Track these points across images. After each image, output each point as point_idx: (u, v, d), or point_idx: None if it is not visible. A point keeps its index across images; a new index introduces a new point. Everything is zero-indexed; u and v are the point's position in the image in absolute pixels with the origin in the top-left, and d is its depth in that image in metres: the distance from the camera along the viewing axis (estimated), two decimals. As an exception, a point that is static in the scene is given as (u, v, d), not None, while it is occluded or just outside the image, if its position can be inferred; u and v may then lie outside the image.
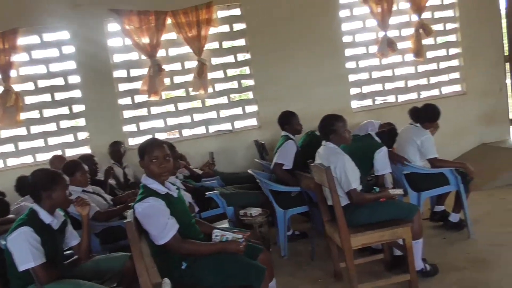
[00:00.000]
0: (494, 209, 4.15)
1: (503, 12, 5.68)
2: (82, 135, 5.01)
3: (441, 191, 3.64)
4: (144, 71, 4.93)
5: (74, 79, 4.90)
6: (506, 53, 5.69)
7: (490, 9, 5.63)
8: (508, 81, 5.75)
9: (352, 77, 5.47)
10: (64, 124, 4.94)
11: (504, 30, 5.72)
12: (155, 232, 2.16)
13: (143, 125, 5.10)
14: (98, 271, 2.52)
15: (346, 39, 5.39)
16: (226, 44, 5.26)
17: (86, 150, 4.92)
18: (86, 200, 2.66)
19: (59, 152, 4.70)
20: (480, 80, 5.63)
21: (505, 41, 5.70)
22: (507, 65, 5.70)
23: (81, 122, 5.03)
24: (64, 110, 4.93)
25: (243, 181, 4.36)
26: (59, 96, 4.94)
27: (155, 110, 5.13)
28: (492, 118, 5.71)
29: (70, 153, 4.88)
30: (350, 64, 5.44)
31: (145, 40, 4.83)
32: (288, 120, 3.96)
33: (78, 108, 4.98)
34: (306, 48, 5.21)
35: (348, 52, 5.42)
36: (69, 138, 4.95)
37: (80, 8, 4.71)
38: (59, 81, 4.92)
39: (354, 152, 3.02)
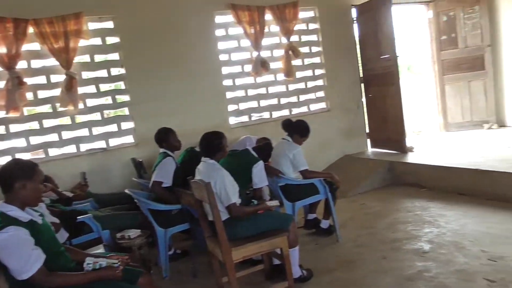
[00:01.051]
0: (356, 213, 4.64)
1: (357, 38, 6.46)
2: None
3: (313, 200, 3.94)
4: (0, 84, 4.38)
5: None
6: (361, 75, 6.47)
7: (346, 36, 6.36)
8: (363, 99, 6.53)
9: (229, 94, 5.64)
10: None
11: (359, 55, 6.51)
12: (17, 266, 1.92)
13: (1, 145, 4.50)
14: None
15: (222, 57, 5.55)
16: (99, 58, 4.98)
17: None
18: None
19: None
20: (341, 99, 6.30)
21: (360, 64, 6.49)
22: (362, 86, 6.48)
23: None
24: None
25: (119, 202, 4.13)
26: None
27: (15, 128, 4.58)
28: (352, 132, 6.42)
29: None
30: (227, 82, 5.60)
31: (2, 49, 4.31)
32: (165, 137, 3.89)
33: None
34: (183, 64, 5.21)
35: (225, 70, 5.58)
36: None
37: None
38: None
39: (232, 167, 3.11)
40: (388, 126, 6.07)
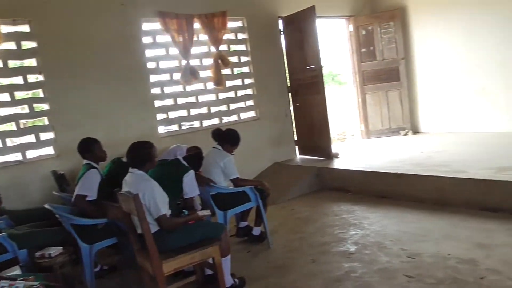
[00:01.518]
0: (287, 219, 4.75)
1: (285, 49, 6.66)
2: None
3: (244, 208, 3.96)
4: None
5: None
6: (288, 85, 6.67)
7: (274, 46, 6.53)
8: (291, 108, 6.73)
9: (158, 103, 5.51)
10: None
11: (286, 65, 6.72)
12: None
13: None
14: None
15: (150, 65, 5.42)
16: (14, 63, 4.62)
17: None
18: None
19: None
20: (270, 107, 6.45)
21: (288, 74, 6.69)
22: (290, 95, 6.69)
23: None
24: None
25: (39, 218, 3.82)
26: None
27: None
28: (281, 140, 6.59)
29: None
30: (156, 90, 5.47)
31: None
32: (88, 148, 3.69)
33: None
34: (108, 72, 5.01)
35: (153, 78, 5.45)
36: None
37: None
38: None
39: (162, 177, 3.04)
40: (314, 133, 6.31)
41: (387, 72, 7.45)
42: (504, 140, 5.78)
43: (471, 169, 4.54)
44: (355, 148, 7.01)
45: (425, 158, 5.44)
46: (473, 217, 3.97)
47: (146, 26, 5.39)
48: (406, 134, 7.40)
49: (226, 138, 4.01)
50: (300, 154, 6.75)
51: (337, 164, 5.92)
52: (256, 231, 4.13)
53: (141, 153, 2.93)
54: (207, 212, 3.20)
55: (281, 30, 6.56)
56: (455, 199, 4.32)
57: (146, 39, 5.39)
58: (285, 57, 6.70)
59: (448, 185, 4.41)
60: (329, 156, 6.16)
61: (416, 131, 7.50)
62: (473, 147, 5.65)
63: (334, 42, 13.95)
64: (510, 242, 3.36)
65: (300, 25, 6.17)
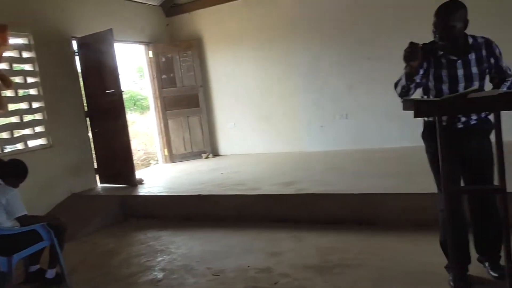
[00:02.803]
0: (88, 255, 4.37)
1: (80, 72, 6.23)
2: None
3: (35, 249, 3.46)
4: None
5: None
6: (86, 109, 6.24)
7: (67, 68, 6.04)
8: (90, 134, 6.31)
9: None
10: None
11: (83, 88, 6.29)
12: None
13: None
14: None
15: None
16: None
17: None
18: None
19: None
20: (65, 134, 5.88)
21: (85, 98, 6.26)
22: (88, 120, 6.26)
23: None
24: None
25: None
26: None
27: None
28: (79, 168, 6.07)
29: None
30: None
31: None
32: None
33: None
34: None
35: None
36: None
37: None
38: None
39: None
40: (116, 160, 6.05)
41: (187, 98, 7.78)
42: (286, 159, 6.74)
43: (263, 185, 5.11)
44: (159, 173, 7.02)
45: (225, 178, 5.85)
46: (267, 229, 4.43)
47: None
48: (207, 157, 7.82)
49: (9, 170, 3.47)
50: (102, 182, 6.35)
51: (142, 190, 5.80)
52: (51, 273, 3.64)
53: None
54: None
55: (76, 51, 6.13)
56: (252, 214, 4.77)
57: None
58: (81, 80, 6.27)
59: (245, 202, 4.83)
60: (133, 183, 5.99)
61: (216, 154, 8.01)
62: (264, 166, 6.37)
63: (136, 66, 13.86)
64: (295, 247, 3.88)
65: (97, 48, 5.89)
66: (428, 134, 2.69)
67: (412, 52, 2.40)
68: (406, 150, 5.95)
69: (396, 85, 2.65)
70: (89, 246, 4.63)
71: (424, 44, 2.55)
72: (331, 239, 3.96)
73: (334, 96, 6.92)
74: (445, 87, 2.56)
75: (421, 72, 2.56)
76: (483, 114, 2.60)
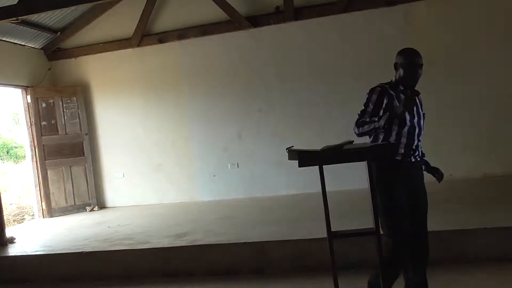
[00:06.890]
0: None
1: None
2: None
3: None
4: None
5: None
6: None
7: None
8: None
9: None
10: None
11: None
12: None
13: None
14: None
15: None
16: None
17: None
18: None
19: None
20: None
21: None
22: None
23: None
24: None
25: None
26: None
27: None
28: None
29: None
30: None
31: None
32: None
33: None
34: None
35: None
36: None
37: None
38: None
39: None
40: (-18, 217, 5.27)
41: (70, 146, 7.25)
42: (179, 210, 6.57)
43: (154, 239, 4.87)
44: (35, 229, 6.28)
45: (112, 233, 5.45)
46: (159, 285, 4.19)
47: None
48: (92, 210, 7.26)
49: None
50: (-39, 244, 5.44)
51: (12, 250, 5.10)
52: None
53: None
54: None
55: None
56: (140, 270, 4.46)
57: None
58: None
59: (133, 258, 4.52)
60: (2, 242, 5.25)
61: (102, 206, 7.48)
62: (155, 218, 6.11)
63: (11, 112, 12.61)
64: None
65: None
66: (389, 173, 2.70)
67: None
68: (294, 198, 6.22)
69: (359, 125, 2.70)
70: None
71: (387, 83, 2.77)
72: (224, 290, 3.89)
73: (226, 145, 7.07)
74: (408, 118, 2.70)
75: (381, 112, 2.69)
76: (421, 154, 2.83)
